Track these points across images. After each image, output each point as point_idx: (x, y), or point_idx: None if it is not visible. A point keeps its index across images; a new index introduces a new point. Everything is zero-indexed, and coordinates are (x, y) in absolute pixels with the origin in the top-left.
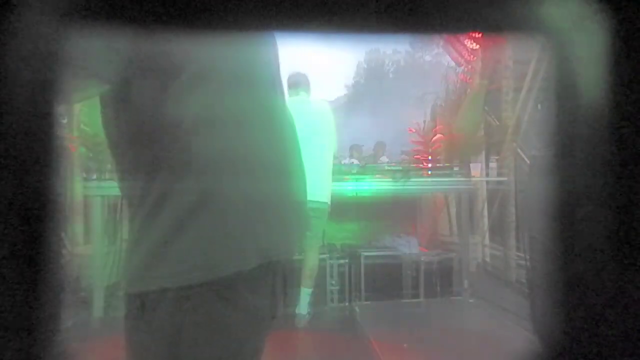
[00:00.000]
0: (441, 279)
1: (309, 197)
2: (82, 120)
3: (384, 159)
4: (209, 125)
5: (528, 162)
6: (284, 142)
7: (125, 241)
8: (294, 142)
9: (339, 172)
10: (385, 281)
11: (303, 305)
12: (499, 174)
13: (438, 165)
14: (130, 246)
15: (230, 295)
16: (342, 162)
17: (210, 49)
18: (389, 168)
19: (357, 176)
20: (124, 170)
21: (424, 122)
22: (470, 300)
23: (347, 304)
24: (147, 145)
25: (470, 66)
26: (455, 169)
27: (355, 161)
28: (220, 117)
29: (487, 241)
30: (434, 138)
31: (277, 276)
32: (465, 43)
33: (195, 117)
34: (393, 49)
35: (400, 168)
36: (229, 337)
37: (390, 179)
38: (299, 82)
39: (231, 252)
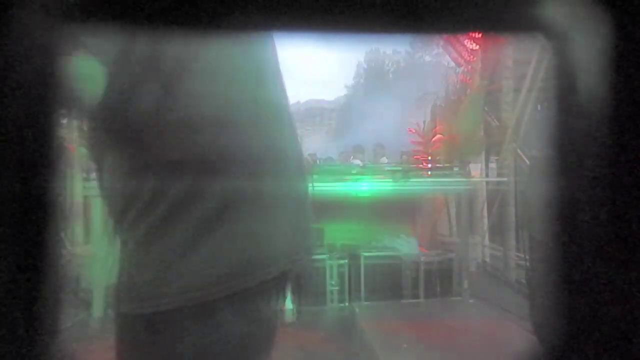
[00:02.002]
0: (441, 279)
1: None
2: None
3: (384, 160)
4: (223, 125)
5: (528, 162)
6: (294, 141)
7: (120, 253)
8: (298, 141)
9: (339, 172)
10: (385, 281)
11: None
12: (499, 175)
13: (438, 165)
14: (134, 259)
15: (248, 309)
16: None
17: (212, 48)
18: (389, 168)
19: (357, 176)
20: (123, 173)
21: (424, 122)
22: (470, 301)
23: (347, 304)
24: (155, 145)
25: (470, 66)
26: (455, 169)
27: (358, 162)
28: (232, 116)
29: (487, 241)
30: (434, 138)
31: (294, 280)
32: (465, 43)
33: (206, 116)
34: (393, 49)
35: (400, 168)
36: (244, 351)
37: (390, 179)
38: None
39: (255, 261)
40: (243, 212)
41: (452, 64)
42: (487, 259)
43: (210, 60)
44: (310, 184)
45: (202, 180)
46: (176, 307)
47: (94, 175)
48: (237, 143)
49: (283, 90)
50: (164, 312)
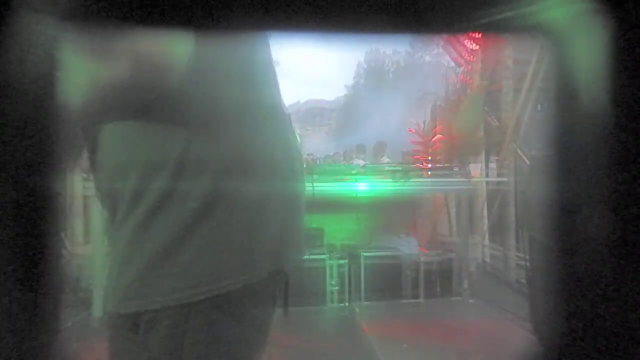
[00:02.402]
0: (441, 279)
1: None
2: None
3: (385, 159)
4: (210, 125)
5: (528, 162)
6: (286, 142)
7: (110, 252)
8: (294, 142)
9: (339, 172)
10: (385, 281)
11: None
12: (499, 175)
13: (438, 165)
14: (119, 259)
15: (235, 310)
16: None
17: (210, 48)
18: (389, 168)
19: (357, 176)
20: (112, 172)
21: (424, 122)
22: (470, 301)
23: (347, 304)
24: (144, 146)
25: (470, 66)
26: (455, 169)
27: (360, 161)
28: (221, 116)
29: (487, 241)
30: (434, 138)
31: (283, 283)
32: (465, 43)
33: (194, 116)
34: (393, 49)
35: (400, 168)
36: (231, 352)
37: (390, 179)
38: None
39: (239, 263)
40: (227, 215)
41: (452, 64)
42: (487, 259)
43: (206, 60)
44: (305, 184)
45: (185, 181)
46: (160, 308)
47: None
48: (228, 143)
49: (277, 89)
50: (148, 312)
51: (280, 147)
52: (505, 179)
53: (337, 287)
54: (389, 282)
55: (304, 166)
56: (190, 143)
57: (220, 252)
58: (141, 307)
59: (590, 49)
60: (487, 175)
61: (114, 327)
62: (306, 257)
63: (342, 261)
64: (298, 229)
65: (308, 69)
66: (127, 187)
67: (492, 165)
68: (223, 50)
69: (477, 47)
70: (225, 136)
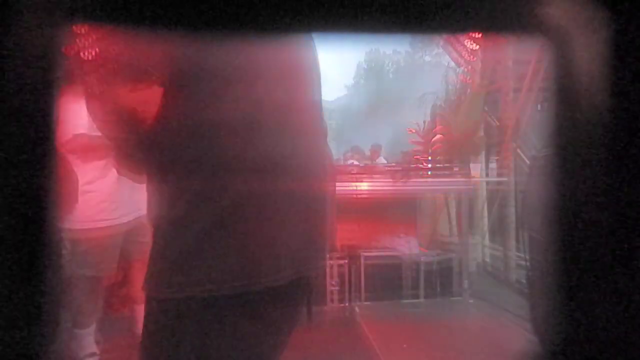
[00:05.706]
0: (441, 279)
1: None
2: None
3: (381, 160)
4: (244, 128)
5: (528, 162)
6: (319, 145)
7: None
8: (325, 144)
9: (339, 172)
10: (385, 281)
11: None
12: (499, 174)
13: (438, 165)
14: (157, 251)
15: (255, 310)
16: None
17: (225, 51)
18: (389, 168)
19: (357, 176)
20: (153, 172)
21: (424, 122)
22: (470, 301)
23: (347, 304)
24: (182, 148)
25: (470, 66)
26: (455, 169)
27: (356, 162)
28: (257, 119)
29: (487, 241)
30: (434, 138)
31: (305, 289)
32: (465, 43)
33: (231, 119)
34: (393, 49)
35: (400, 168)
36: (248, 349)
37: (390, 179)
38: None
39: (262, 267)
40: (255, 215)
41: (452, 64)
42: (487, 259)
43: (236, 63)
44: (335, 187)
45: (218, 181)
46: (185, 297)
47: None
48: (261, 145)
49: (318, 90)
50: (177, 299)
51: (313, 150)
52: (505, 179)
53: (337, 287)
54: (389, 282)
55: (334, 169)
56: (226, 145)
57: (246, 253)
58: (171, 294)
59: (590, 49)
60: (487, 175)
61: (147, 308)
62: None
63: (342, 261)
64: (321, 235)
65: None
66: (169, 185)
67: (492, 165)
68: (262, 52)
69: (477, 47)
70: (261, 137)
